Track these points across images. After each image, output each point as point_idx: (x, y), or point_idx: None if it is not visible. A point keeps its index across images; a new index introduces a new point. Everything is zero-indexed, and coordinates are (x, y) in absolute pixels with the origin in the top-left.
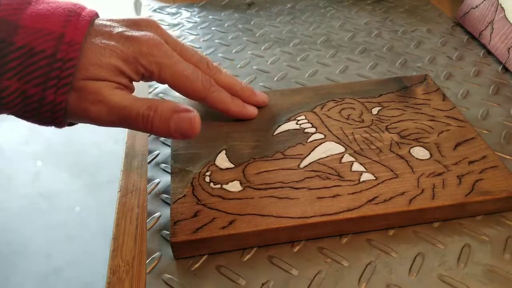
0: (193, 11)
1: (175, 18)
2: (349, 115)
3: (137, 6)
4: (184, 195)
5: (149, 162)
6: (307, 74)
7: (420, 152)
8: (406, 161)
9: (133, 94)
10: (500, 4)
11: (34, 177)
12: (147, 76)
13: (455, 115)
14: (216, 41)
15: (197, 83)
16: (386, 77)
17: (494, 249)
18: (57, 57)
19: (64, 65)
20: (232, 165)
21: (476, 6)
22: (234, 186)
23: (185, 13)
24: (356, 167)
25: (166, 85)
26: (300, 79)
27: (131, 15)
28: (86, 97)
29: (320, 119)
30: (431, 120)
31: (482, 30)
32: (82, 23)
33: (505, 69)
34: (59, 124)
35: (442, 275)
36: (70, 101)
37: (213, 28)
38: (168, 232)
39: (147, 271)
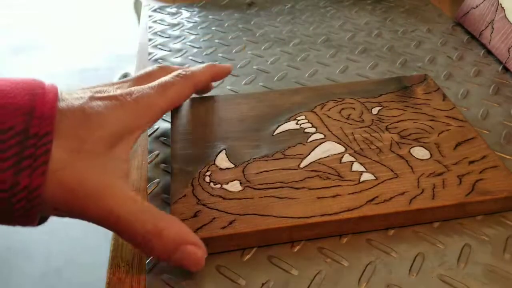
0: (193, 11)
1: (175, 18)
2: (349, 115)
3: (137, 6)
4: (184, 195)
5: (149, 162)
6: (307, 74)
7: (420, 152)
8: (406, 161)
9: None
10: (500, 4)
11: None
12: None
13: (455, 115)
14: (216, 41)
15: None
16: (386, 77)
17: (494, 249)
18: (30, 133)
19: (39, 141)
20: (232, 165)
21: (476, 6)
22: (234, 186)
23: (185, 13)
24: (356, 167)
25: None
26: (300, 79)
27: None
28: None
29: (320, 119)
30: (431, 120)
31: (482, 30)
32: (50, 96)
33: (505, 69)
34: (32, 221)
35: (442, 275)
36: (53, 189)
37: (213, 28)
38: None
39: (147, 271)
